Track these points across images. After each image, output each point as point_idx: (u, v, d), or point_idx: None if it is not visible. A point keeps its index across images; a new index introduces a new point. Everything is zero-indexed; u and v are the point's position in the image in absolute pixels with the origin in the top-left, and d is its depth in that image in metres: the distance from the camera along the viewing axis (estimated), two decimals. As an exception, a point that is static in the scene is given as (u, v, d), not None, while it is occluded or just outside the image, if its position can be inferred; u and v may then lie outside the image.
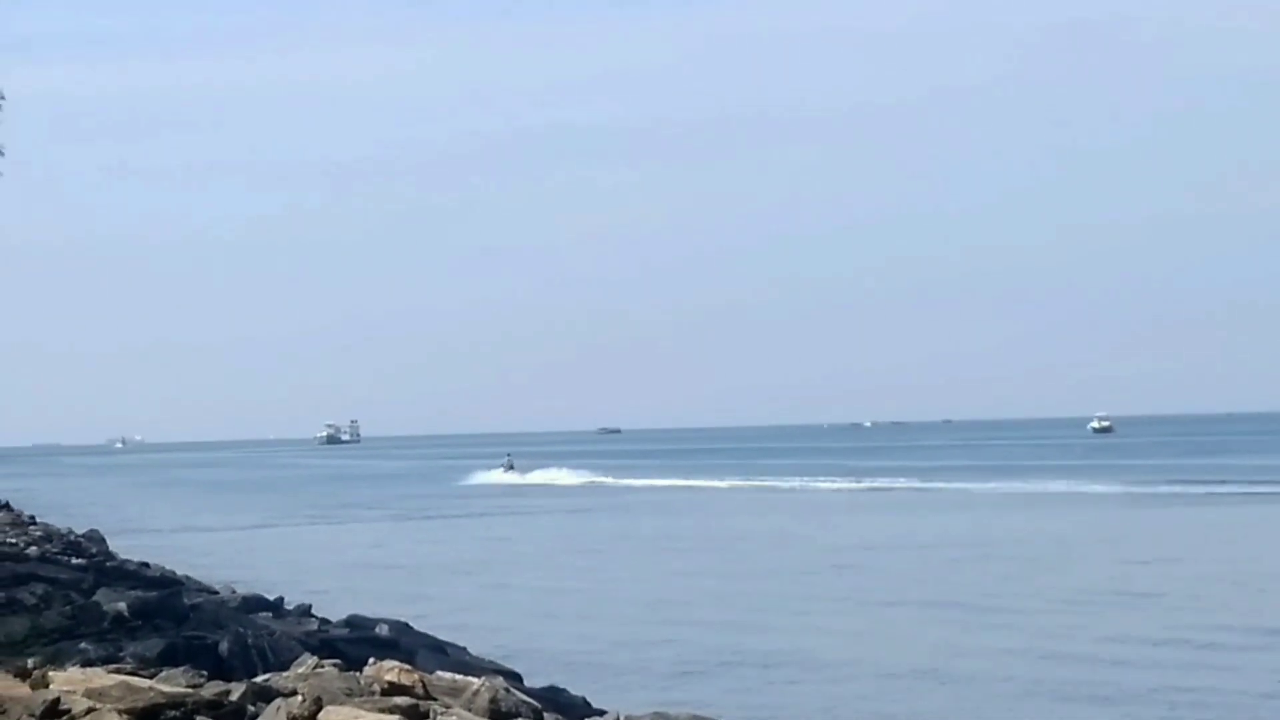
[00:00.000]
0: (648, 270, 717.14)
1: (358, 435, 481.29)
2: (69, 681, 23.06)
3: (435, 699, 22.29)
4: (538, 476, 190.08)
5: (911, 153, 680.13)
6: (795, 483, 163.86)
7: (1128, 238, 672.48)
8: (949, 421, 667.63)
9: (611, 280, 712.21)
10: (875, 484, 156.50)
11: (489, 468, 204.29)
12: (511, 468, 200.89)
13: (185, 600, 36.63)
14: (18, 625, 31.21)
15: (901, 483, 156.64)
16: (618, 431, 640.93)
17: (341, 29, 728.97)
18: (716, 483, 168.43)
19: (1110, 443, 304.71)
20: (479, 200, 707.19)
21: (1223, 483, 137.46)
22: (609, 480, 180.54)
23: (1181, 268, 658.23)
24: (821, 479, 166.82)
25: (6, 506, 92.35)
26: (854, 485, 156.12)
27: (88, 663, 25.82)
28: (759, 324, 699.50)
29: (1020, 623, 51.86)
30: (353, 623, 39.26)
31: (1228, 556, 72.80)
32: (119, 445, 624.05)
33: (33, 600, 34.50)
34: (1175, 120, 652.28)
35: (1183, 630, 49.02)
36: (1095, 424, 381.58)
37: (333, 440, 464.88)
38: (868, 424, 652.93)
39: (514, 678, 31.59)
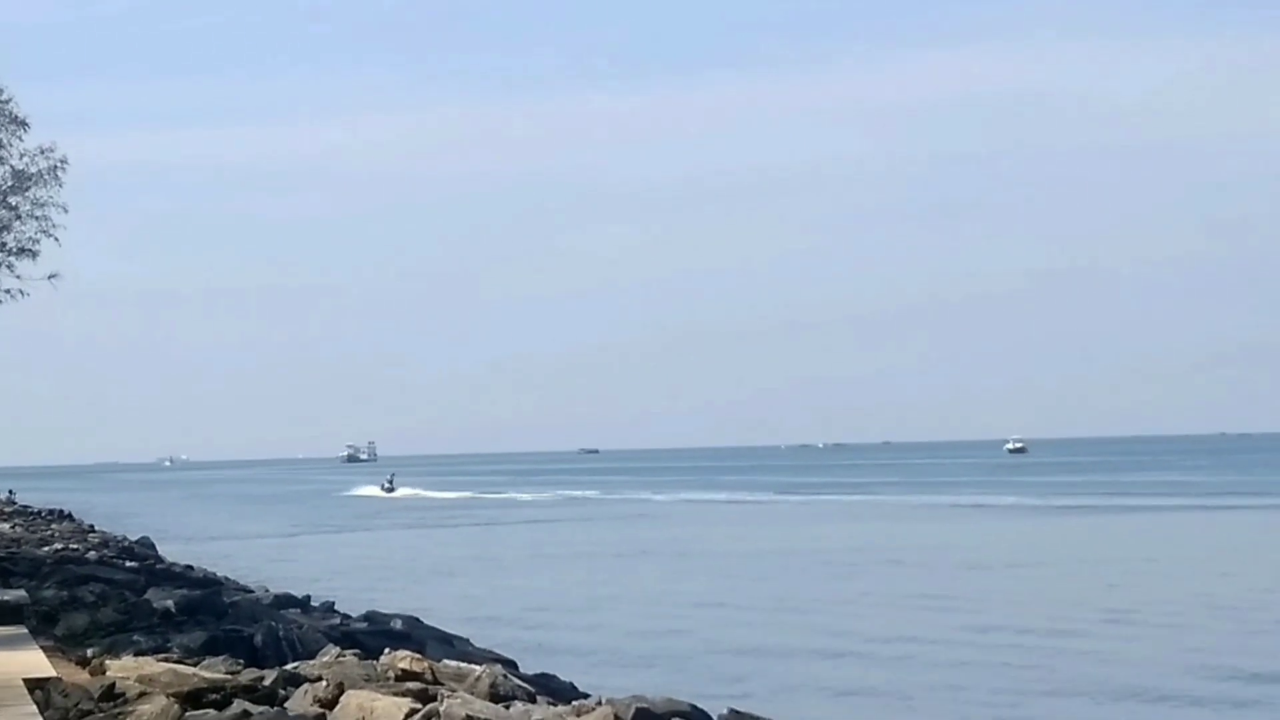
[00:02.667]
0: (635, 294, 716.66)
1: (374, 455, 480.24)
2: (123, 669, 23.02)
3: (443, 684, 22.28)
4: (404, 492, 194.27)
5: (860, 190, 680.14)
6: (669, 496, 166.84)
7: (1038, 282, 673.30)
8: (888, 443, 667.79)
9: (598, 305, 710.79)
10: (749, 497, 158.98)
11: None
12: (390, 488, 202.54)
13: (225, 598, 36.59)
14: (79, 620, 31.15)
15: (777, 497, 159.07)
16: (596, 452, 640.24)
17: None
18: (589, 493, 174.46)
19: (1019, 461, 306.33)
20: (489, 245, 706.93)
21: (1106, 495, 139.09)
22: (487, 495, 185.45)
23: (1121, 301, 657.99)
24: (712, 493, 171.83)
25: (69, 516, 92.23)
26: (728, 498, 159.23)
27: (140, 653, 25.80)
28: (731, 347, 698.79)
29: (839, 622, 51.87)
30: (370, 617, 39.22)
31: (1067, 561, 72.93)
32: (167, 464, 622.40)
33: (91, 598, 34.44)
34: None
35: (968, 628, 48.90)
36: (1010, 445, 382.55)
37: (353, 459, 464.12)
38: (820, 445, 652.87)
39: (510, 665, 31.55)
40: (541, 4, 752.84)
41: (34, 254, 38.94)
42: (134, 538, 68.26)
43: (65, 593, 35.51)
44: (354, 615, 40.47)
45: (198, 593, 36.56)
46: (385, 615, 39.85)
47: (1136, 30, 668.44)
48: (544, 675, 31.70)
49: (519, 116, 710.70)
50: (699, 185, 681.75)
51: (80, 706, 20.62)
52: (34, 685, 21.64)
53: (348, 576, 71.79)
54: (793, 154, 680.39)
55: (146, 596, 35.64)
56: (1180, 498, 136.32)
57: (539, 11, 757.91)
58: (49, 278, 39.01)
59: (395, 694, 20.57)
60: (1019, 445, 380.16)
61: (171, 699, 20.55)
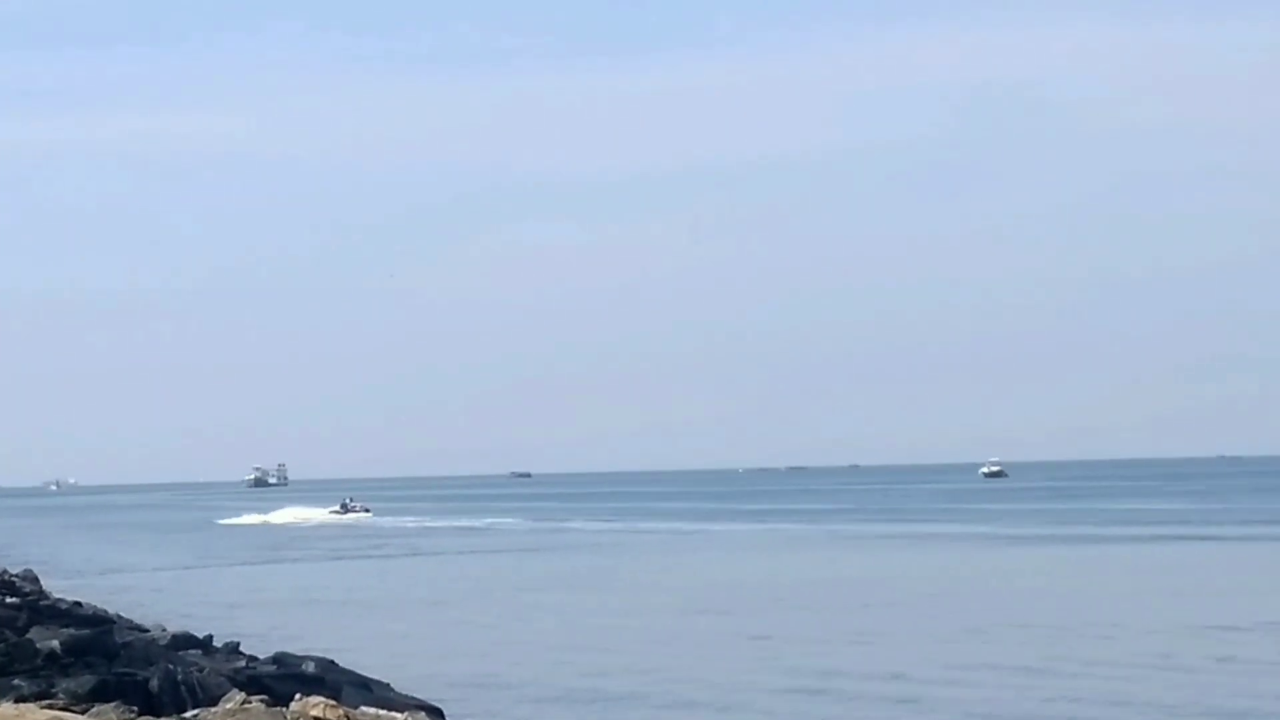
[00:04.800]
0: (576, 301, 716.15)
1: (285, 478, 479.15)
2: (2, 717, 22.82)
3: (359, 734, 22.20)
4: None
5: (825, 204, 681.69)
6: (602, 525, 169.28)
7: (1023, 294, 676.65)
8: (855, 466, 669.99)
9: (533, 323, 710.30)
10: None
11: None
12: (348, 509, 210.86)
13: (116, 638, 36.32)
14: (-47, 662, 30.85)
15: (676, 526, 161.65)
16: (528, 476, 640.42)
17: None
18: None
19: (994, 486, 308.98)
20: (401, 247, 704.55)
21: (1063, 524, 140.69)
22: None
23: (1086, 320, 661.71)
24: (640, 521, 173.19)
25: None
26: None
27: (21, 699, 25.57)
28: (683, 361, 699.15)
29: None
30: (280, 660, 39.05)
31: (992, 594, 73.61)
32: (53, 488, 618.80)
33: (-33, 638, 34.12)
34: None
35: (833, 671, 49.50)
36: (986, 469, 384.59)
37: (260, 483, 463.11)
38: (782, 468, 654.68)
39: (436, 714, 31.47)
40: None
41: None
42: (15, 571, 67.75)
43: (-63, 632, 35.20)
44: (261, 657, 40.31)
45: (86, 632, 36.26)
46: (296, 657, 39.68)
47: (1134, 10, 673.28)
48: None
49: (445, 99, 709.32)
50: (649, 180, 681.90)
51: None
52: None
53: (255, 613, 71.56)
54: (756, 145, 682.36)
55: (29, 636, 35.33)
56: (1154, 527, 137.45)
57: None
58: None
59: (307, 745, 20.47)
60: (996, 469, 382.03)
61: (56, 751, 20.40)
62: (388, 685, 39.35)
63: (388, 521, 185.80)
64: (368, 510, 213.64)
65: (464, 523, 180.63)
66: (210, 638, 44.54)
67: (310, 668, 37.32)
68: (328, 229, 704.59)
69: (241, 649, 43.06)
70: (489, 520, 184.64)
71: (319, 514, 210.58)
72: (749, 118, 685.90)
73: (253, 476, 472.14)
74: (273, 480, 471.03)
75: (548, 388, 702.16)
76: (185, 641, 41.93)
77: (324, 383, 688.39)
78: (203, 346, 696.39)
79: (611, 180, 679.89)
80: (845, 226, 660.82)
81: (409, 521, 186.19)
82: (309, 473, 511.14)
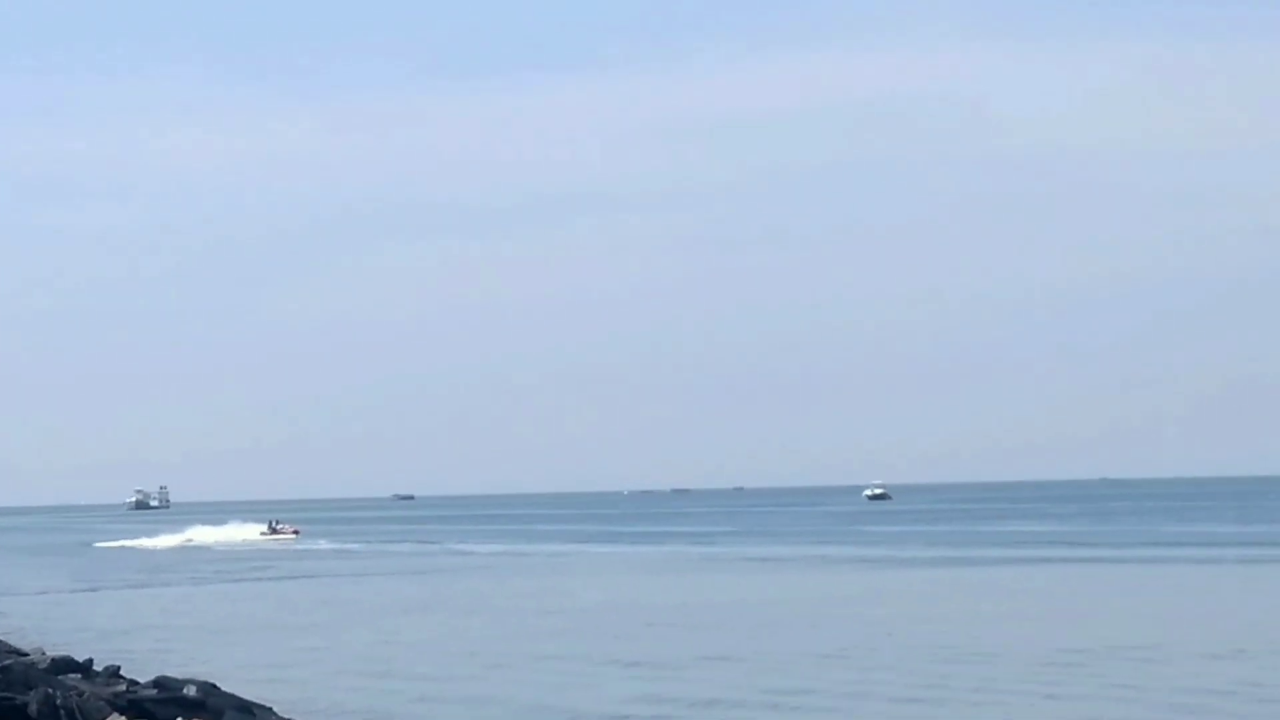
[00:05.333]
0: (456, 323, 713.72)
1: (167, 501, 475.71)
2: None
3: (239, 756, 22.56)
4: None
5: (707, 228, 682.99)
6: (490, 547, 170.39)
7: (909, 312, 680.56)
8: (740, 489, 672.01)
9: (415, 344, 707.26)
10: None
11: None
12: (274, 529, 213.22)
13: (-4, 662, 36.36)
14: None
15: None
16: (411, 498, 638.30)
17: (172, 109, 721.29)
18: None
19: (875, 509, 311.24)
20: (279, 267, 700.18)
21: (931, 546, 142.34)
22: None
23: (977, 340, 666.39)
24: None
25: None
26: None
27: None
28: (565, 384, 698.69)
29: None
30: (161, 683, 39.20)
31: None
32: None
33: None
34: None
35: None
36: (870, 492, 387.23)
37: (142, 505, 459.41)
38: (668, 490, 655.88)
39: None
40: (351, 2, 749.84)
41: None
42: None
43: None
44: (142, 681, 40.44)
45: (-35, 657, 36.28)
46: (178, 680, 39.83)
47: (1042, 33, 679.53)
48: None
49: (324, 123, 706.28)
50: (534, 201, 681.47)
51: None
52: None
53: (136, 637, 71.46)
54: (638, 169, 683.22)
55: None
56: (1036, 549, 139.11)
57: (347, 9, 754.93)
58: None
59: (187, 767, 20.81)
60: (880, 492, 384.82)
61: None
62: (270, 709, 39.59)
63: (323, 545, 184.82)
64: (296, 531, 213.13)
65: (403, 547, 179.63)
66: (90, 661, 44.54)
67: (192, 691, 37.51)
68: (203, 248, 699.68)
69: (122, 673, 43.13)
70: (412, 545, 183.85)
71: (246, 533, 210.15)
72: (630, 140, 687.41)
73: (134, 499, 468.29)
74: (154, 503, 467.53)
75: (430, 409, 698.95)
76: (65, 665, 41.95)
77: (203, 404, 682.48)
78: (77, 366, 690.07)
79: (497, 201, 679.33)
80: (728, 249, 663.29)
81: (333, 545, 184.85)
82: (190, 495, 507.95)
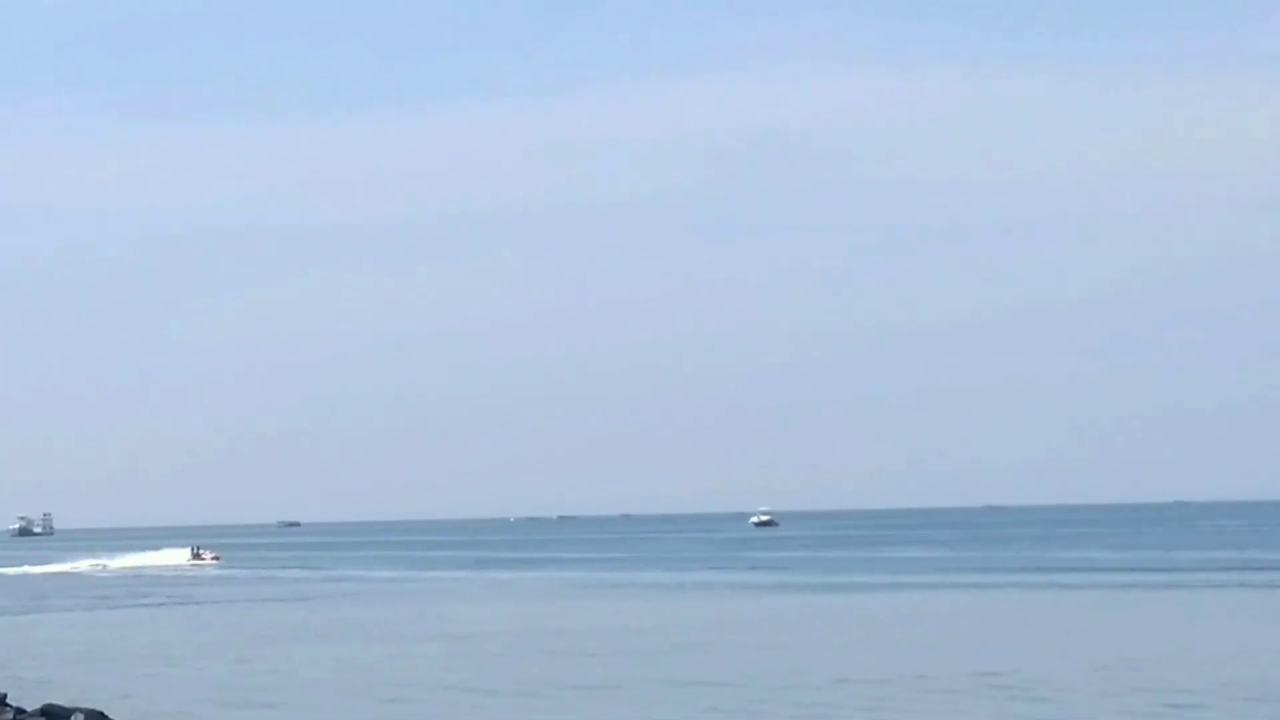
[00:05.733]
0: (340, 351, 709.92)
1: (50, 527, 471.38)
2: None
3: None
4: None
5: (596, 256, 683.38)
6: (381, 573, 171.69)
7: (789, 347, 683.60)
8: (627, 515, 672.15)
9: (303, 371, 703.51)
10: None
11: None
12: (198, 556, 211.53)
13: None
14: None
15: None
16: (297, 525, 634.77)
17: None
18: None
19: (767, 536, 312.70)
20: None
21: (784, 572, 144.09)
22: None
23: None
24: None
25: None
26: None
27: None
28: (453, 412, 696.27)
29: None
30: (48, 712, 39.58)
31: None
32: None
33: None
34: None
35: None
36: (757, 519, 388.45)
37: (25, 532, 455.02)
38: (554, 517, 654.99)
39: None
40: (232, 19, 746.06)
41: None
42: None
43: None
44: (29, 709, 40.70)
45: None
46: (64, 709, 40.17)
47: (905, 62, 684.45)
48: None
49: (199, 147, 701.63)
50: (420, 229, 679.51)
51: None
52: None
53: (19, 666, 71.38)
54: (523, 195, 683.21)
55: None
56: (918, 575, 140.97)
57: (226, 27, 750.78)
58: None
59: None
60: (766, 518, 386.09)
61: None
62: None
63: (243, 572, 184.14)
64: (217, 557, 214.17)
65: (316, 573, 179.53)
66: (-23, 690, 44.60)
67: (79, 719, 37.92)
68: (94, 273, 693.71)
69: (9, 700, 43.37)
70: (304, 570, 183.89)
71: (172, 558, 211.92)
72: (514, 169, 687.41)
73: (18, 526, 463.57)
74: (38, 530, 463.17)
75: (316, 436, 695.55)
76: (-48, 695, 42.05)
77: (86, 430, 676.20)
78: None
79: (383, 227, 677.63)
80: (616, 278, 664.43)
81: (255, 572, 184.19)
82: (74, 522, 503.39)
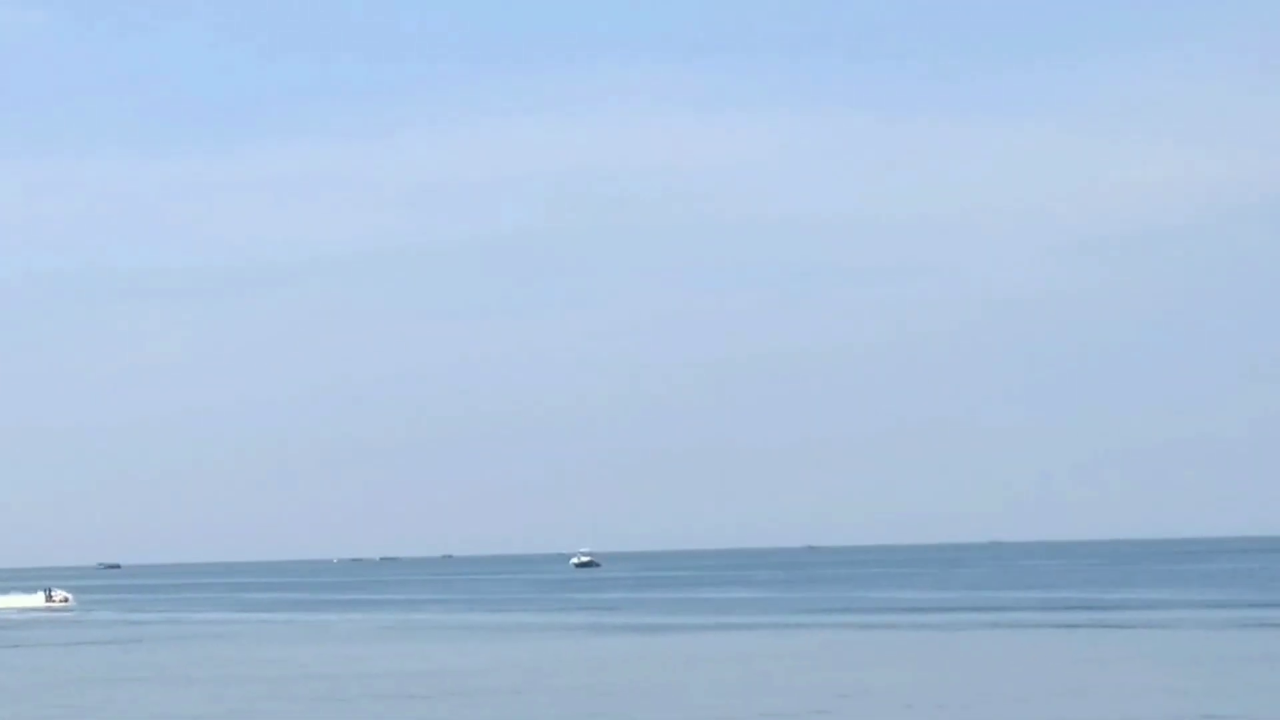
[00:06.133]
0: (160, 401, 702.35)
1: None
2: None
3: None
4: None
5: (419, 298, 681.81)
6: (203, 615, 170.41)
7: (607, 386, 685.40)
8: (449, 557, 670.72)
9: (121, 412, 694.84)
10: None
11: None
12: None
13: None
14: None
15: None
16: (117, 566, 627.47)
17: None
18: None
19: (588, 576, 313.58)
20: None
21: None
22: None
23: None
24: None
25: None
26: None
27: None
28: (276, 460, 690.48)
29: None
30: None
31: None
32: None
33: None
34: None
35: None
36: (578, 559, 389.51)
37: None
38: (377, 559, 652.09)
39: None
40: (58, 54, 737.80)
41: None
42: None
43: None
44: None
45: None
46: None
47: (726, 105, 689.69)
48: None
49: (42, 186, 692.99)
50: (231, 272, 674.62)
51: None
52: None
53: None
54: (343, 236, 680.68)
55: None
56: (736, 615, 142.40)
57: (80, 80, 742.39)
58: None
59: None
60: (588, 559, 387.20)
61: None
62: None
63: (99, 615, 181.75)
64: (67, 599, 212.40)
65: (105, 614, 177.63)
66: None
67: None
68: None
69: None
70: (117, 612, 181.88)
71: (26, 601, 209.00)
72: (334, 209, 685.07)
73: None
74: None
75: (136, 477, 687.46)
76: None
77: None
78: None
79: (204, 270, 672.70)
80: (433, 317, 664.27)
81: (112, 614, 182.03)
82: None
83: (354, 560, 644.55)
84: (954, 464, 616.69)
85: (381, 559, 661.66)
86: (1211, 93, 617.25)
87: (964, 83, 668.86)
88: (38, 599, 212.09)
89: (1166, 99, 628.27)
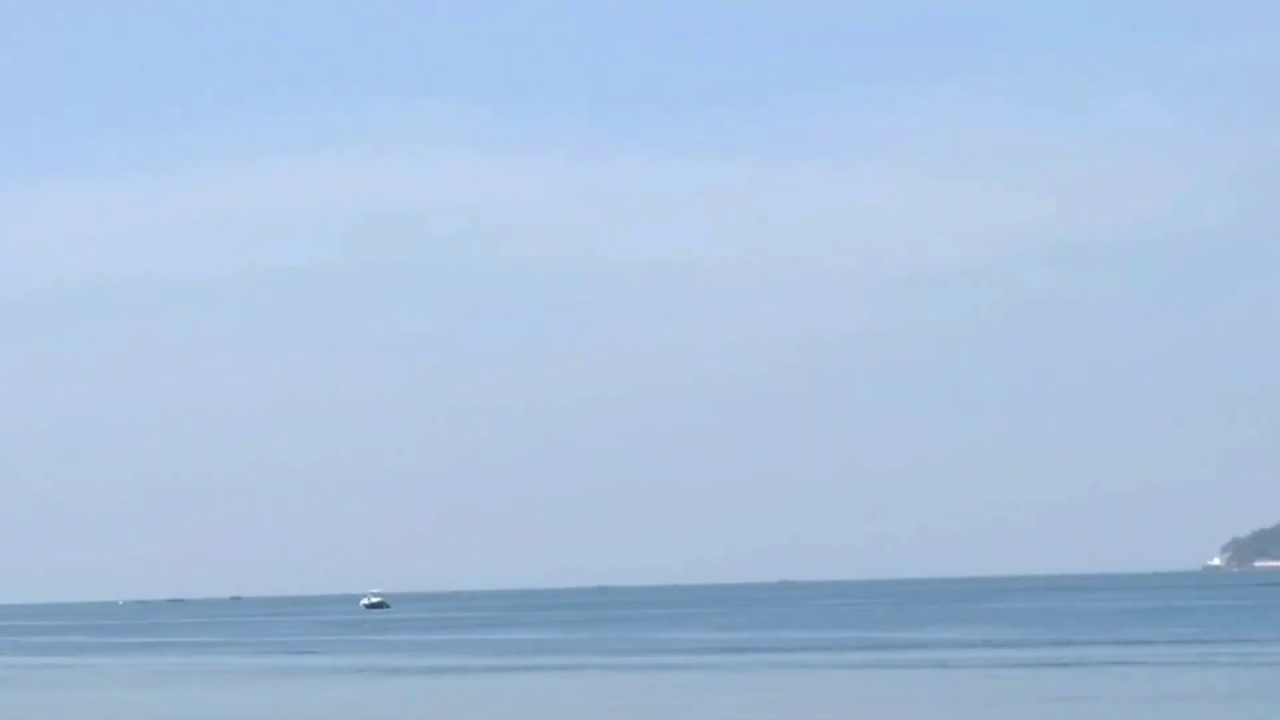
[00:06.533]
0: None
1: None
2: None
3: None
4: None
5: (220, 332, 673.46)
6: None
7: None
8: (238, 598, 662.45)
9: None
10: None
11: None
12: None
13: None
14: None
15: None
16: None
17: None
18: None
19: (377, 618, 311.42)
20: None
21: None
22: None
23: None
24: None
25: None
26: None
27: None
28: (57, 499, 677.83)
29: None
30: None
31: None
32: None
33: None
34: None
35: None
36: (368, 600, 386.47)
37: None
38: (163, 600, 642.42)
39: None
40: None
41: None
42: None
43: None
44: None
45: None
46: None
47: (527, 145, 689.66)
48: None
49: None
50: (6, 303, 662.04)
51: None
52: None
53: None
54: (129, 271, 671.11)
55: None
56: (521, 657, 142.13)
57: None
58: None
59: None
60: (378, 600, 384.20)
61: None
62: None
63: None
64: None
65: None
66: None
67: None
68: None
69: None
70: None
71: None
72: (123, 243, 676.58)
73: None
74: None
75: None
76: None
77: None
78: None
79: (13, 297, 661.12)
80: (221, 349, 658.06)
81: None
82: None
83: (140, 602, 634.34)
84: (744, 506, 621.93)
85: (169, 600, 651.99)
86: (1022, 136, 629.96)
87: (776, 125, 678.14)
88: None
89: (978, 142, 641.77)
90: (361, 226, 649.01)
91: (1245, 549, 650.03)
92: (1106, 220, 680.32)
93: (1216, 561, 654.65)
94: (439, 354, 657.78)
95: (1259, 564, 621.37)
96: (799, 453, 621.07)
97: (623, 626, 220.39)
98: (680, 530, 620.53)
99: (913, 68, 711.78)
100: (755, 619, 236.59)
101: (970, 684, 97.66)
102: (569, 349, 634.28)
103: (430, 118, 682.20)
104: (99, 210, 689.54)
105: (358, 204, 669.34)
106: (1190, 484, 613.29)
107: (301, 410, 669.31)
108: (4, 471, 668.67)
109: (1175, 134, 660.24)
